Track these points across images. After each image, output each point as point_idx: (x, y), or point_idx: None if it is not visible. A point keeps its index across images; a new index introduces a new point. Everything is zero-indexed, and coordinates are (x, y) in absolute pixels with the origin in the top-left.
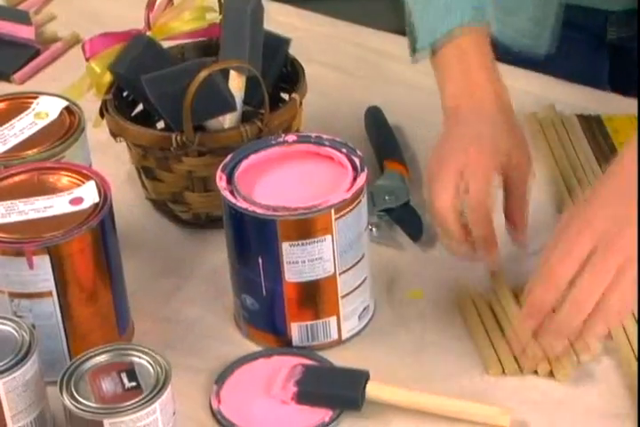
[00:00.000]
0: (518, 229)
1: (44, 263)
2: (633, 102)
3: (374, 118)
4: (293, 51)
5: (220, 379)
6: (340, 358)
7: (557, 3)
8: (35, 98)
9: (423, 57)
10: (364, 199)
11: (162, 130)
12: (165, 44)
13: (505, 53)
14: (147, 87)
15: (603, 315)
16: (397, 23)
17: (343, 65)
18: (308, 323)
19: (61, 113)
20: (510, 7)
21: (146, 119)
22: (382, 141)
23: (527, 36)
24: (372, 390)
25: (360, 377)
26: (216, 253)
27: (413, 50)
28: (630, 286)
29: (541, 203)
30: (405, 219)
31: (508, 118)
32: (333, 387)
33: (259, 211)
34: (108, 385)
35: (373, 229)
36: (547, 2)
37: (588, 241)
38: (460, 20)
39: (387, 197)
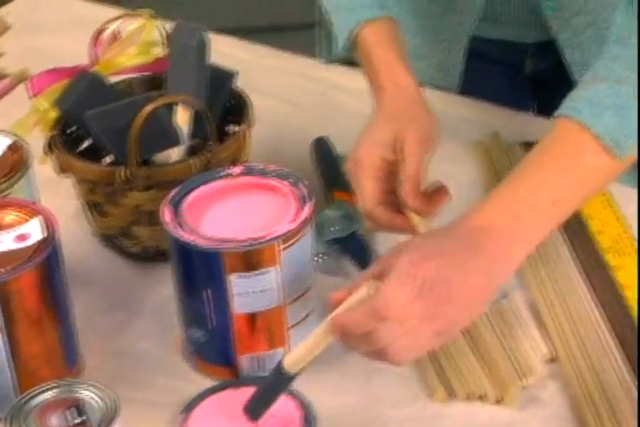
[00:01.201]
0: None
1: None
2: None
3: (321, 149)
4: (240, 83)
5: (187, 409)
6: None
7: (463, 51)
8: None
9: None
10: (310, 229)
11: (109, 165)
12: (112, 79)
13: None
14: (91, 123)
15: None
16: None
17: (290, 96)
18: (258, 354)
19: (7, 150)
20: (415, 54)
21: (93, 155)
22: (330, 172)
23: (434, 81)
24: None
25: None
26: (165, 286)
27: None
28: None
29: None
30: (353, 248)
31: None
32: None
33: (204, 243)
34: (55, 422)
35: (321, 259)
36: (452, 51)
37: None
38: (361, 17)
39: (334, 227)
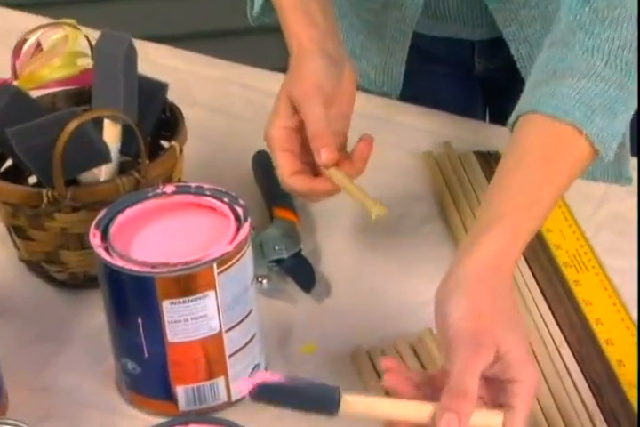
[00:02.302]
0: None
1: None
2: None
3: (262, 164)
4: (174, 94)
5: None
6: None
7: (405, 50)
8: None
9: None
10: (248, 251)
11: (33, 186)
12: (35, 94)
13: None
14: (13, 140)
15: None
16: (283, 62)
17: (229, 107)
18: (195, 385)
19: None
20: (360, 52)
21: (16, 175)
22: (271, 188)
23: (373, 83)
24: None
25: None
26: (95, 314)
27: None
28: None
29: (438, 238)
30: (297, 269)
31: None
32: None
33: (135, 268)
34: None
35: (263, 281)
36: (394, 50)
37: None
38: None
39: (276, 247)
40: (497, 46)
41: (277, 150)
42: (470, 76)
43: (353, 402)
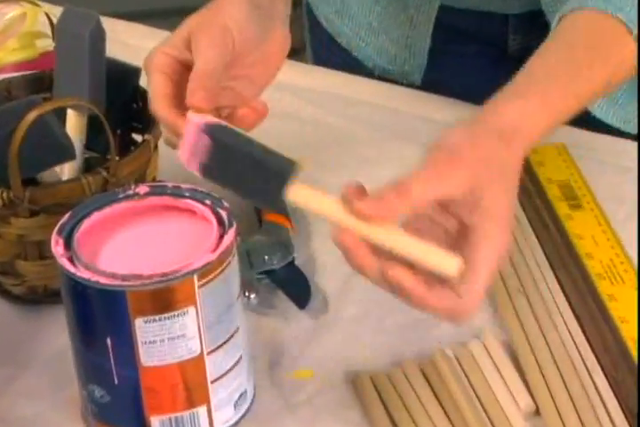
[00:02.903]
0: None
1: None
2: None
3: None
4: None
5: None
6: None
7: (430, 22)
8: None
9: None
10: (234, 260)
11: None
12: None
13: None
14: None
15: None
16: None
17: None
18: (172, 415)
19: None
20: (376, 26)
21: None
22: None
23: (393, 61)
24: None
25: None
26: (58, 334)
27: None
28: None
29: None
30: (290, 281)
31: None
32: None
33: (104, 281)
34: None
35: (251, 295)
36: (418, 22)
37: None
38: None
39: (266, 257)
40: (534, 21)
41: (154, 72)
42: (504, 57)
43: (302, 190)
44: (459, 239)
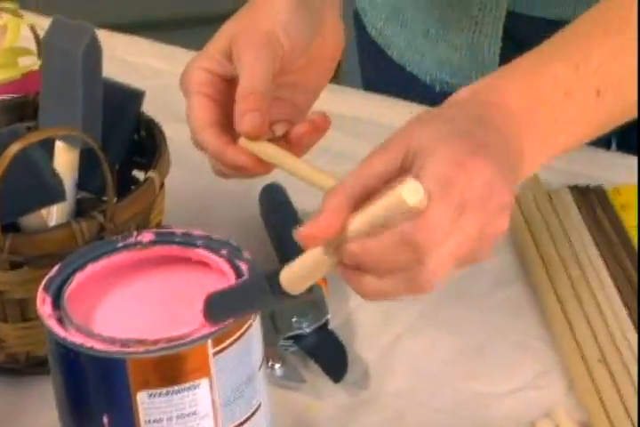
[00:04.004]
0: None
1: None
2: None
3: (274, 201)
4: (152, 106)
5: None
6: None
7: (499, 22)
8: None
9: None
10: (255, 323)
11: None
12: None
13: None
14: None
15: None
16: None
17: None
18: None
19: None
20: (428, 34)
21: None
22: (284, 233)
23: (457, 71)
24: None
25: None
26: (45, 411)
27: None
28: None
29: (518, 306)
30: (322, 349)
31: None
32: None
33: (100, 347)
34: None
35: (276, 365)
36: (481, 26)
37: None
38: None
39: (294, 319)
40: None
41: (193, 93)
42: None
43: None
44: None
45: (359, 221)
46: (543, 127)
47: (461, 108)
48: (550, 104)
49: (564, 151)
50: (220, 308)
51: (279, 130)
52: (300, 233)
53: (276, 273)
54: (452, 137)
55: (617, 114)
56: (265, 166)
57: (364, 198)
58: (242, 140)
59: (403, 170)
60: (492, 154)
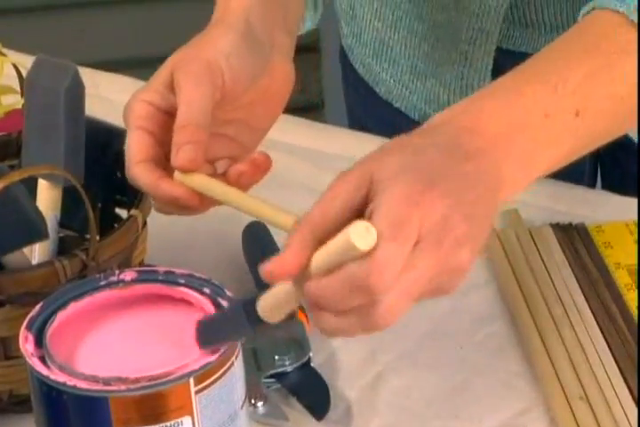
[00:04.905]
0: None
1: None
2: (630, 203)
3: (256, 240)
4: None
5: None
6: None
7: (489, 57)
8: None
9: None
10: (238, 361)
11: None
12: None
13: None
14: None
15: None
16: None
17: None
18: None
19: None
20: (417, 69)
21: None
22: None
23: (445, 106)
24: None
25: None
26: None
27: None
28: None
29: (500, 344)
30: (305, 387)
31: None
32: None
33: (82, 385)
34: None
35: (258, 403)
36: (471, 60)
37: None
38: None
39: (277, 356)
40: None
41: (132, 128)
42: None
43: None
44: None
45: (318, 259)
46: (523, 149)
47: (432, 135)
48: (530, 126)
49: (546, 171)
50: (208, 334)
51: (222, 167)
52: (263, 269)
53: (253, 301)
54: (412, 170)
55: (599, 133)
56: (203, 200)
57: (331, 231)
58: (176, 174)
59: (368, 199)
60: (452, 187)
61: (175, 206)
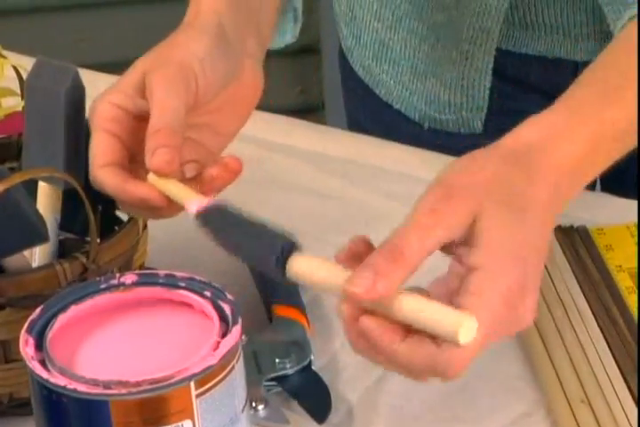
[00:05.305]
0: None
1: None
2: (631, 205)
3: None
4: None
5: None
6: None
7: (489, 56)
8: None
9: None
10: (239, 364)
11: None
12: None
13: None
14: None
15: None
16: (292, 99)
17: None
18: None
19: None
20: (417, 69)
21: None
22: (268, 276)
23: (446, 107)
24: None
25: None
26: None
27: None
28: None
29: (503, 346)
30: (306, 390)
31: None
32: None
33: (82, 389)
34: None
35: (259, 406)
36: (472, 60)
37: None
38: None
39: (278, 359)
40: None
41: (97, 130)
42: None
43: (304, 262)
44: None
45: (405, 315)
46: (586, 173)
47: (521, 172)
48: (601, 151)
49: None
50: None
51: (189, 171)
52: (347, 290)
53: (292, 249)
54: (514, 257)
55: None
56: (173, 204)
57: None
58: (150, 177)
59: (464, 243)
60: (538, 276)
61: (144, 209)
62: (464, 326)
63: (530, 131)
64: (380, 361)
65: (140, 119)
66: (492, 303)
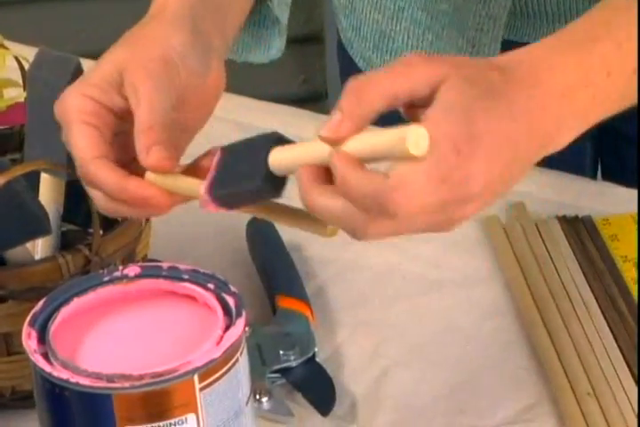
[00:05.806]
0: None
1: None
2: (636, 195)
3: (260, 233)
4: None
5: None
6: None
7: (496, 43)
8: None
9: None
10: (242, 357)
11: None
12: None
13: None
14: None
15: None
16: (290, 90)
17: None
18: None
19: None
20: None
21: None
22: (273, 268)
23: None
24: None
25: None
26: None
27: None
28: None
29: (506, 336)
30: (310, 382)
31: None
32: None
33: (85, 382)
34: None
35: (263, 399)
36: (479, 47)
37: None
38: None
39: (282, 351)
40: None
41: (74, 121)
42: None
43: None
44: None
45: (356, 146)
46: (583, 106)
47: (508, 82)
48: (593, 84)
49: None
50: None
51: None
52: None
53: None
54: (478, 109)
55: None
56: (176, 199)
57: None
58: (149, 175)
59: (425, 100)
60: (507, 141)
61: (139, 208)
62: (411, 132)
63: (519, 52)
64: (332, 205)
65: (115, 116)
66: (439, 139)
